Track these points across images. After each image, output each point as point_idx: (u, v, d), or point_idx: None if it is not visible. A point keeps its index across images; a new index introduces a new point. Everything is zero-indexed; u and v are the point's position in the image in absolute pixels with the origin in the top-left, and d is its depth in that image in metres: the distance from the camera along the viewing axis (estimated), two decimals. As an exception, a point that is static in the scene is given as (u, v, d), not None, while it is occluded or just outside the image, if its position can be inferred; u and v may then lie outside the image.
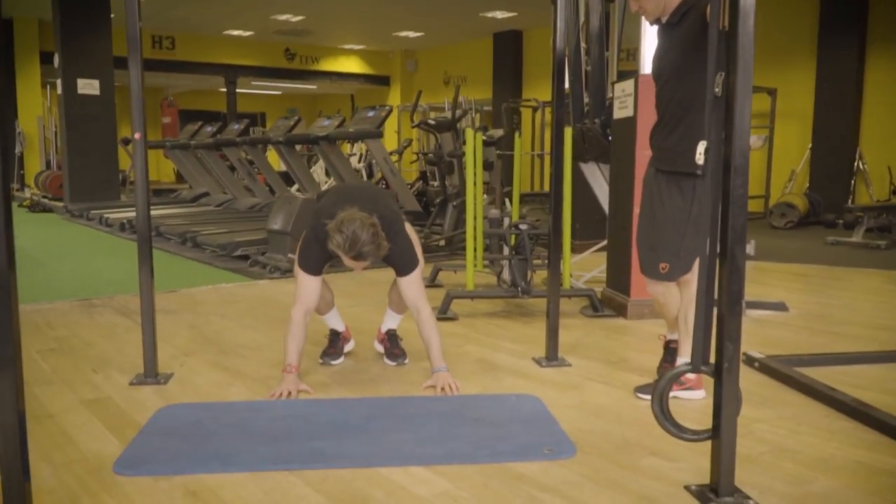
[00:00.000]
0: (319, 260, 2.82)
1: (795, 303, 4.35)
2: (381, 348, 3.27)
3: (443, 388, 2.74)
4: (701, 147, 1.88)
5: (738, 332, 1.83)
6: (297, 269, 2.86)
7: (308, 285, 2.83)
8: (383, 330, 3.25)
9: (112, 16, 11.10)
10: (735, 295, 1.81)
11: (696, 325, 1.92)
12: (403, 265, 2.85)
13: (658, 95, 2.59)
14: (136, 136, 2.74)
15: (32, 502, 1.70)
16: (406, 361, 3.16)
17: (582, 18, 5.23)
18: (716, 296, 1.88)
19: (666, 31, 2.50)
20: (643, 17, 3.47)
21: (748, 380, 2.80)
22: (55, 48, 10.88)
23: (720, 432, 1.86)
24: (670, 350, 2.83)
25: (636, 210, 3.80)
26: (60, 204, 11.25)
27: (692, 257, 2.50)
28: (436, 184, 8.68)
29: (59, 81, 10.85)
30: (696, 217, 2.44)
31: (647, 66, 4.22)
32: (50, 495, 1.92)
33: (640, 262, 2.65)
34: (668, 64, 2.50)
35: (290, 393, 2.68)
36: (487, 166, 7.42)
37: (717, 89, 1.79)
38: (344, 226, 2.60)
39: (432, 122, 7.19)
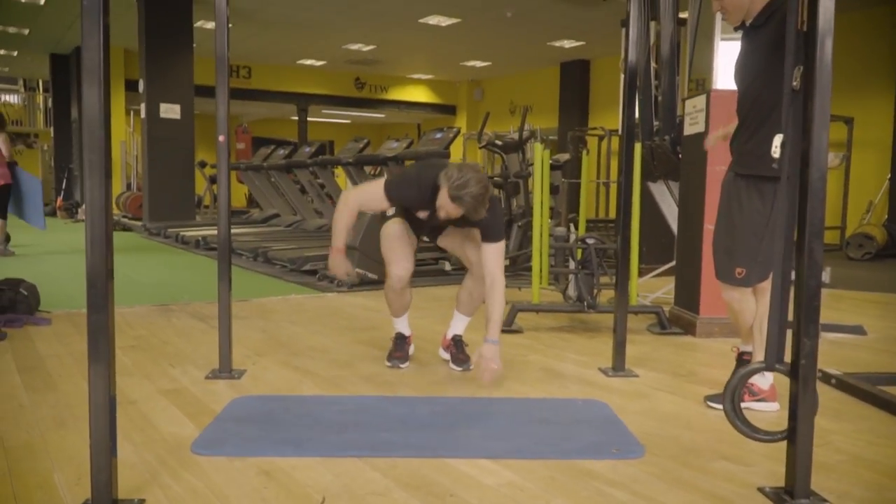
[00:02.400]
0: (405, 196, 2.95)
1: (874, 328, 4.20)
2: (446, 355, 3.30)
3: (481, 356, 2.78)
4: (777, 140, 1.86)
5: (815, 329, 1.80)
6: (379, 183, 2.96)
7: (377, 197, 2.96)
8: (449, 336, 3.28)
9: (195, 45, 11.63)
10: (812, 290, 1.78)
11: (771, 321, 1.89)
12: (494, 232, 2.93)
13: (740, 99, 2.58)
14: (221, 139, 2.87)
15: (117, 474, 1.78)
16: (471, 367, 3.17)
17: (652, 40, 5.25)
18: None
19: (749, 34, 2.50)
20: (714, 32, 3.45)
21: (825, 396, 2.70)
22: (140, 75, 11.45)
23: (796, 432, 1.81)
24: (743, 362, 2.77)
25: (707, 226, 3.77)
26: (139, 223, 11.74)
27: (770, 263, 2.46)
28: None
29: (142, 105, 11.38)
30: (775, 222, 2.40)
31: (718, 81, 4.21)
32: (131, 469, 2.00)
33: (716, 266, 2.61)
34: (752, 66, 2.49)
35: (346, 274, 2.98)
36: (553, 190, 7.42)
37: (794, 83, 1.79)
38: (463, 170, 2.74)
39: (499, 142, 7.26)
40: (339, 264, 2.99)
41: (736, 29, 2.56)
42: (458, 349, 3.24)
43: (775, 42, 2.34)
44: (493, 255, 2.92)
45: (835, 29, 1.70)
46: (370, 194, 3.03)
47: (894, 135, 9.77)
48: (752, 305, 2.61)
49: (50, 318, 4.10)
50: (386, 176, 3.09)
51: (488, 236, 2.93)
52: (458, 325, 3.28)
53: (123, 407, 2.54)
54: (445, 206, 2.78)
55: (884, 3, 9.81)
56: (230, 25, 2.93)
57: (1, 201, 7.42)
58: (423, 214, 2.99)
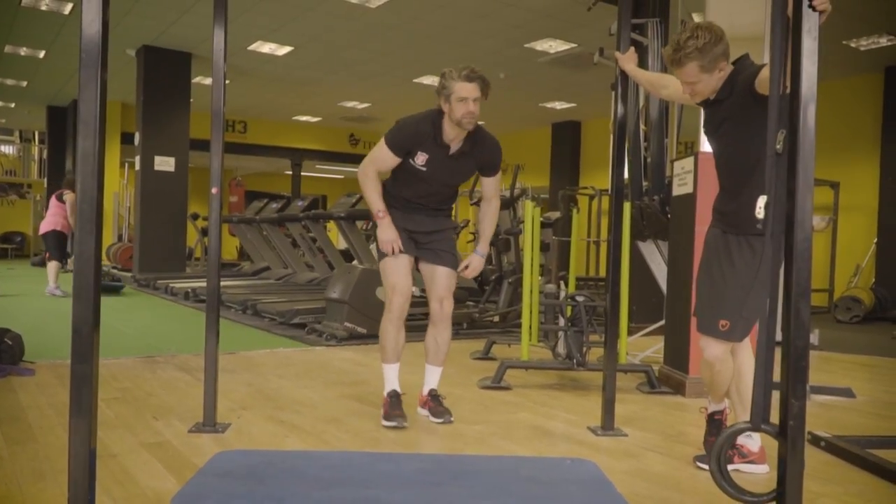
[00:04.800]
0: (406, 136, 3.04)
1: (863, 391, 4.20)
2: (424, 412, 3.26)
3: (468, 266, 3.21)
4: (761, 202, 1.89)
5: (803, 390, 1.79)
6: (378, 146, 3.09)
7: (385, 153, 3.06)
8: (425, 392, 3.26)
9: (192, 100, 11.80)
10: (800, 351, 1.78)
11: (756, 381, 1.88)
12: (493, 165, 3.23)
13: (718, 166, 2.63)
14: (214, 190, 2.89)
15: (94, 531, 1.74)
16: (452, 419, 3.16)
17: (642, 102, 5.37)
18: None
19: (714, 105, 2.56)
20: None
21: (814, 459, 2.70)
22: (136, 128, 11.57)
23: (785, 494, 1.79)
24: (714, 422, 2.76)
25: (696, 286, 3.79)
26: (129, 274, 11.70)
27: (755, 318, 2.47)
28: (490, 267, 8.76)
29: (137, 158, 11.47)
30: (763, 275, 2.41)
31: (706, 144, 4.30)
32: (109, 525, 1.96)
33: (699, 319, 2.60)
34: (725, 135, 2.55)
35: (396, 243, 3.04)
36: (543, 248, 7.48)
37: (778, 146, 1.82)
38: (457, 66, 2.99)
39: (491, 200, 7.33)
40: (388, 229, 3.05)
41: (699, 104, 2.64)
42: (435, 403, 3.24)
43: (741, 110, 2.42)
44: (493, 183, 3.27)
45: (821, 95, 1.75)
46: (377, 154, 3.11)
47: (880, 199, 9.94)
48: (731, 366, 2.60)
49: (34, 368, 4.04)
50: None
51: (489, 170, 3.23)
52: (432, 378, 3.27)
53: (104, 460, 2.49)
54: (468, 93, 2.94)
55: (868, 71, 10.10)
56: (227, 82, 2.99)
57: (59, 247, 8.76)
58: (422, 159, 3.05)
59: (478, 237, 3.35)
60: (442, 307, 3.20)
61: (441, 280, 3.20)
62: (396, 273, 3.11)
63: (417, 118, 3.08)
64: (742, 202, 2.48)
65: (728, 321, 2.48)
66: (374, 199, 3.08)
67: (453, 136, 3.07)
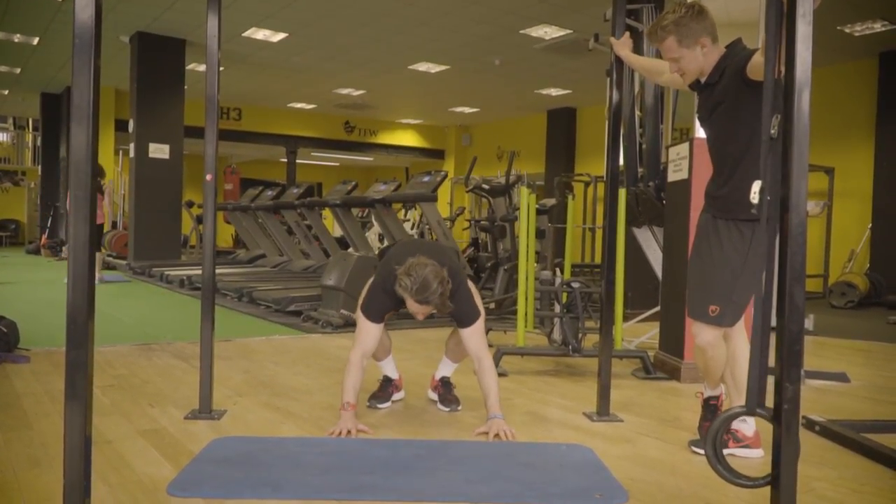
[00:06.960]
0: (383, 308, 2.90)
1: (857, 375, 4.22)
2: (434, 396, 3.29)
3: (496, 435, 2.72)
4: (756, 186, 1.89)
5: (797, 374, 1.80)
6: (359, 313, 2.94)
7: (368, 331, 2.90)
8: (437, 377, 3.28)
9: (186, 87, 11.73)
10: (794, 335, 1.79)
11: (752, 365, 1.89)
12: (466, 317, 2.90)
13: (710, 151, 2.63)
14: (208, 177, 2.88)
15: (90, 517, 1.74)
16: (459, 408, 3.17)
17: (637, 88, 5.35)
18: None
19: (706, 90, 2.56)
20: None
21: (808, 443, 2.72)
22: (130, 115, 11.51)
23: (779, 478, 1.80)
24: (710, 407, 2.77)
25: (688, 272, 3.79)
26: (124, 262, 11.67)
27: (744, 302, 2.48)
28: (486, 254, 8.77)
29: (131, 145, 11.42)
30: (752, 260, 2.43)
31: (700, 130, 4.30)
32: (106, 511, 1.96)
33: (689, 304, 2.60)
34: (717, 119, 2.55)
35: (348, 431, 2.70)
36: (539, 234, 7.47)
37: (773, 131, 1.82)
38: (414, 270, 2.70)
39: (486, 186, 7.32)
40: (348, 422, 2.73)
41: (690, 87, 2.64)
42: (446, 390, 3.24)
43: (734, 95, 2.42)
44: (472, 338, 2.90)
45: (815, 81, 1.74)
46: (360, 334, 2.90)
47: (874, 185, 9.95)
48: (724, 351, 2.61)
49: (29, 355, 4.04)
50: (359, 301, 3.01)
51: (463, 322, 2.91)
52: (446, 368, 3.28)
53: (100, 447, 2.50)
54: (417, 309, 2.79)
55: (863, 56, 10.09)
56: (221, 68, 2.97)
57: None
58: (404, 309, 2.94)
59: (486, 399, 2.86)
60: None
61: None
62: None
63: (388, 289, 2.84)
64: (732, 186, 2.49)
65: (718, 306, 2.48)
66: (347, 389, 2.79)
67: None
